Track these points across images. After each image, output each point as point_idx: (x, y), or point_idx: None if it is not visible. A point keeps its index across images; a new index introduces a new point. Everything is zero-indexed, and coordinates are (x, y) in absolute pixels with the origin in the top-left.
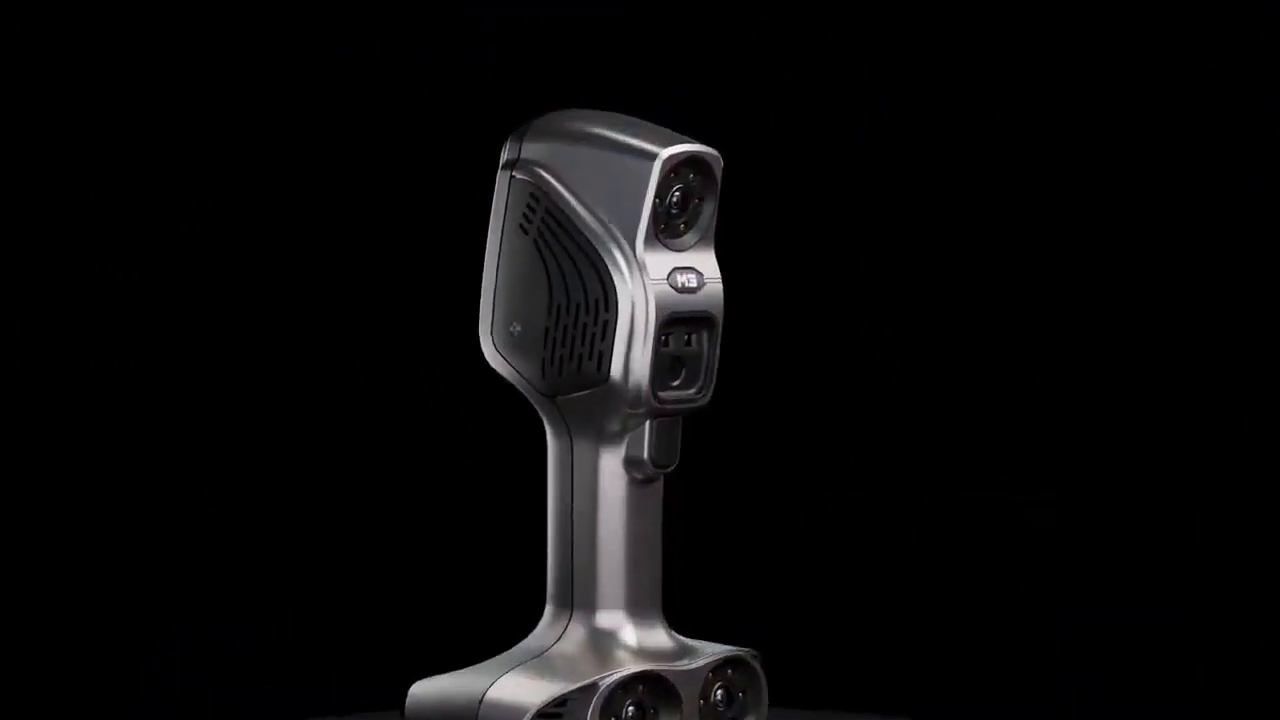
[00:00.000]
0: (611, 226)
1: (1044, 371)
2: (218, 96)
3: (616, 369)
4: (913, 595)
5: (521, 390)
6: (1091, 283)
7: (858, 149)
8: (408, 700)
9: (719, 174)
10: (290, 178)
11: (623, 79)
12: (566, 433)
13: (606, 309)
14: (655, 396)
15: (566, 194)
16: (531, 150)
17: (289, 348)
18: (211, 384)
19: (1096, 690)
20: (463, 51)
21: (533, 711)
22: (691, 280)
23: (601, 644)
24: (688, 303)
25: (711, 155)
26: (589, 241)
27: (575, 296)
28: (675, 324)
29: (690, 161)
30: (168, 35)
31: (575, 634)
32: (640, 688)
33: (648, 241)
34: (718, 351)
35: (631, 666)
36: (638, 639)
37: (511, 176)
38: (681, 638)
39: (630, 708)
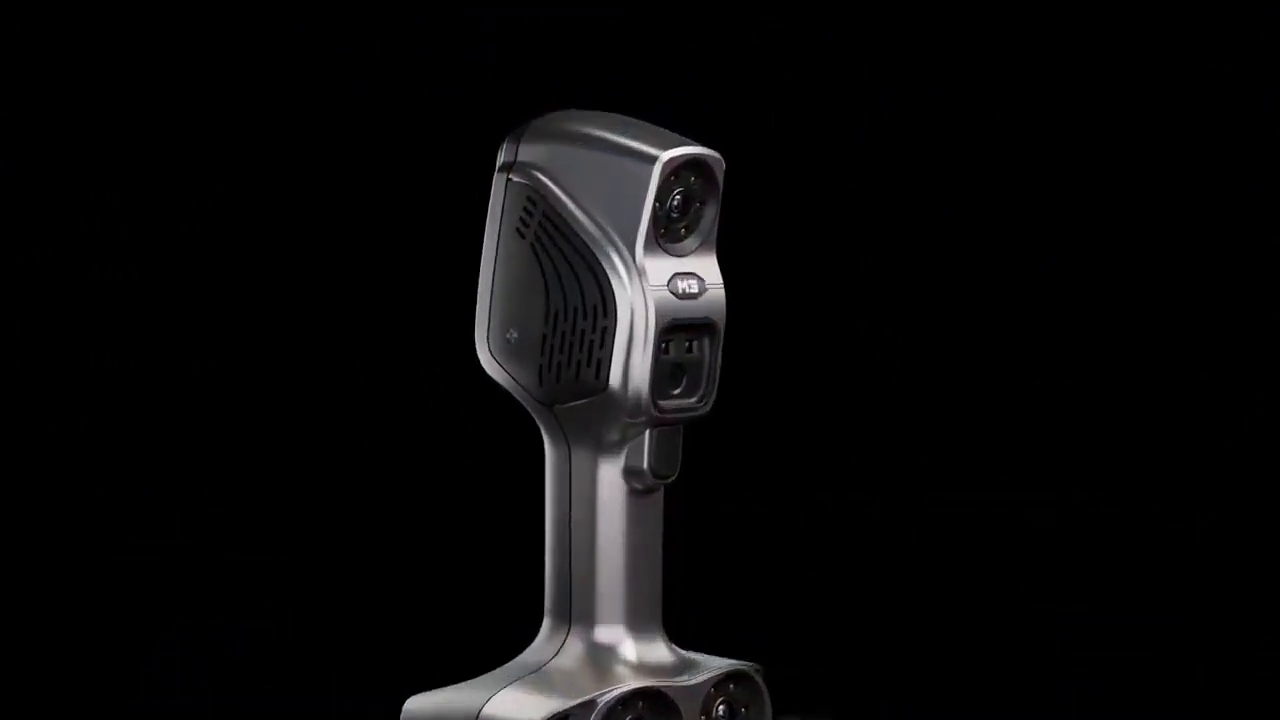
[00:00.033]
0: (610, 231)
1: (1044, 371)
2: (218, 96)
3: (615, 377)
4: (913, 595)
5: (518, 398)
6: (1091, 283)
7: (858, 149)
8: (402, 716)
9: (720, 177)
10: (290, 178)
11: (623, 79)
12: (565, 442)
13: (605, 315)
14: (655, 405)
15: (564, 197)
16: (529, 152)
17: (288, 347)
18: (211, 384)
19: (1096, 690)
20: (463, 51)
21: None
22: (692, 286)
23: (600, 659)
24: (688, 309)
25: (713, 158)
26: (587, 246)
27: (573, 302)
28: (676, 331)
29: (691, 164)
30: (168, 35)
31: (573, 648)
32: (640, 704)
33: (647, 246)
34: (720, 359)
35: (631, 682)
36: (637, 654)
37: (508, 179)
38: (682, 652)
39: None
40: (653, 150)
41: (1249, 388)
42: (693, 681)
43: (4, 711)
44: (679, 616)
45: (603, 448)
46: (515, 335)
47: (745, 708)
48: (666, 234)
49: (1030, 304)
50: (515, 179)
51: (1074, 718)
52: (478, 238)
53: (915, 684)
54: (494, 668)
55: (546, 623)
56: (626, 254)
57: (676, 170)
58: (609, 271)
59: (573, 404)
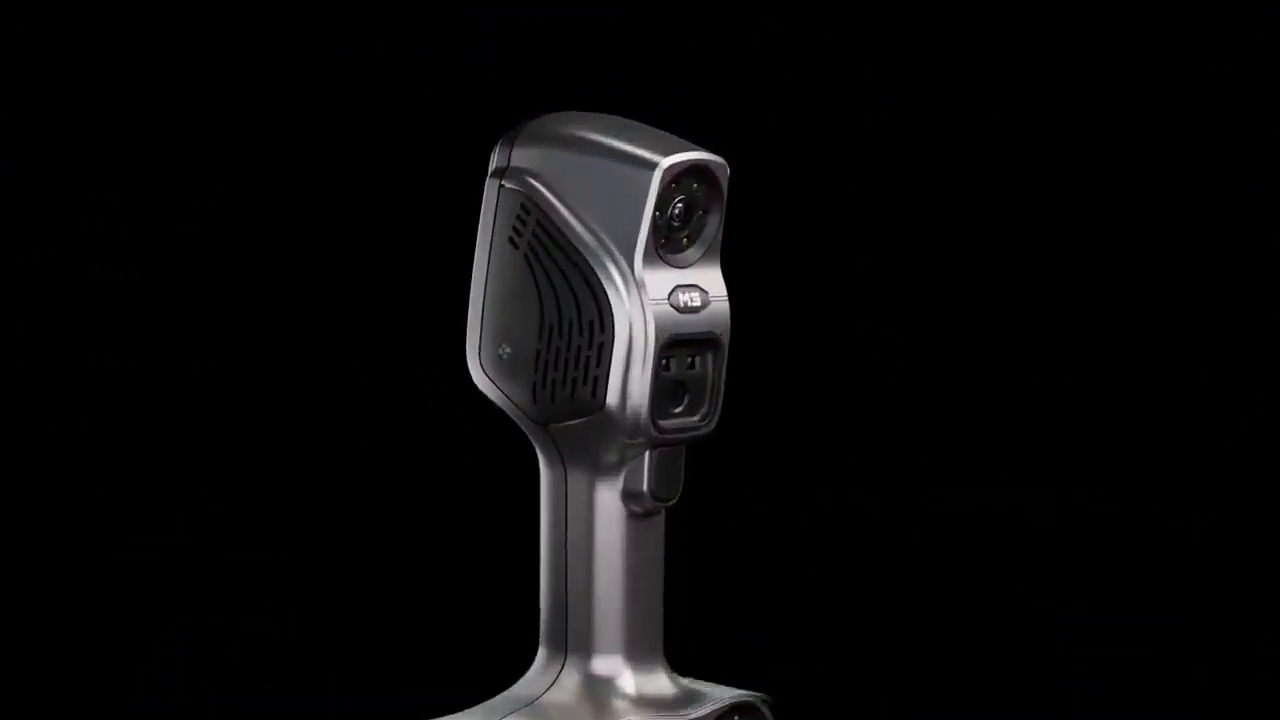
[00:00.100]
0: (608, 241)
1: (1044, 371)
2: (218, 96)
3: (613, 396)
4: (913, 595)
5: (512, 416)
6: (1091, 283)
7: (858, 149)
8: None
9: (725, 183)
10: (290, 178)
11: (623, 79)
12: (560, 463)
13: (602, 331)
14: (655, 425)
15: (559, 205)
16: (522, 157)
17: (288, 347)
18: (211, 384)
19: (1096, 690)
20: (463, 51)
21: None
22: (694, 299)
23: (598, 692)
24: (690, 323)
25: (716, 163)
26: (583, 257)
27: (568, 317)
28: (677, 346)
29: (693, 170)
30: (168, 35)
31: (569, 680)
32: None
33: (647, 257)
34: (724, 375)
35: (631, 717)
36: (637, 686)
37: (501, 185)
38: (685, 682)
39: None
40: (653, 156)
41: (1249, 388)
42: (695, 715)
43: (4, 711)
44: (678, 617)
45: (600, 469)
46: (508, 350)
47: None
48: (667, 244)
49: (1030, 304)
50: (508, 185)
51: (1074, 718)
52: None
53: (915, 684)
54: (485, 699)
55: (541, 653)
56: (625, 265)
57: (678, 177)
58: (606, 284)
59: (568, 423)
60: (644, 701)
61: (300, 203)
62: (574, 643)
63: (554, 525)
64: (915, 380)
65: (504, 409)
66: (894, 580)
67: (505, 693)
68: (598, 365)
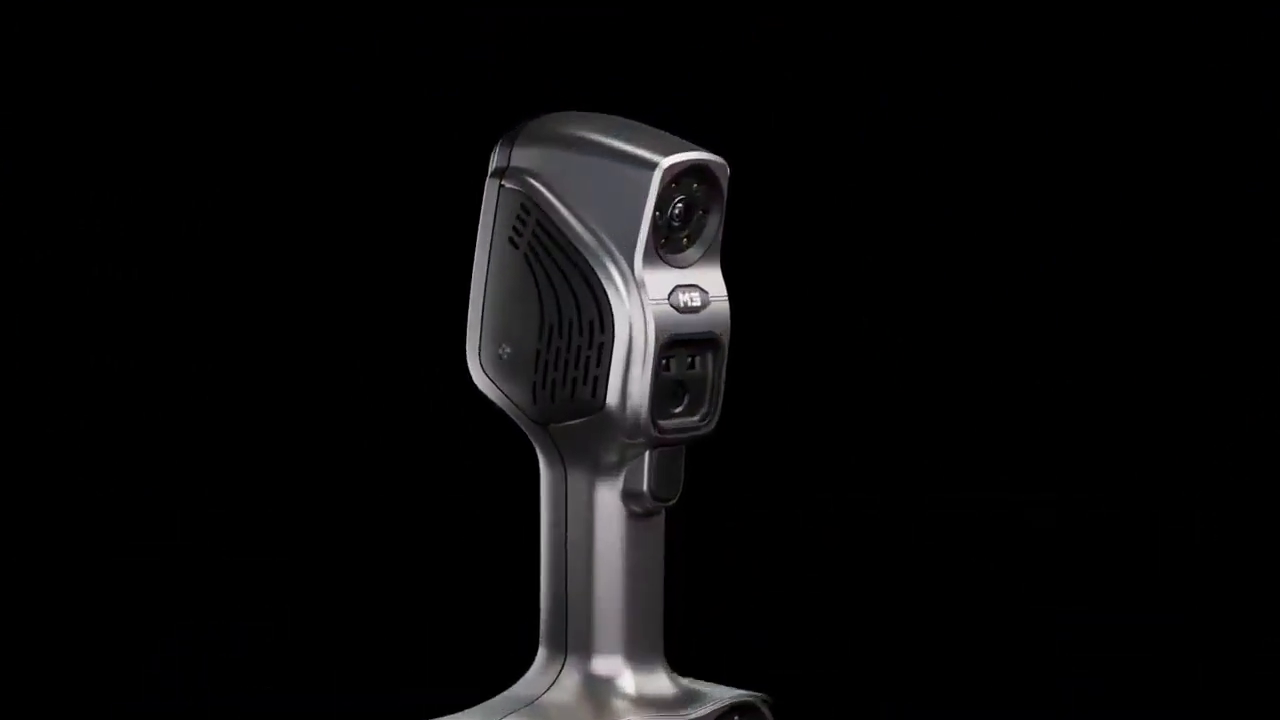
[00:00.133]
0: (608, 241)
1: (1044, 371)
2: (218, 96)
3: (613, 396)
4: (913, 595)
5: (512, 416)
6: (1091, 283)
7: (858, 149)
8: None
9: (725, 183)
10: (290, 178)
11: (623, 79)
12: (560, 463)
13: (602, 331)
14: (655, 425)
15: (559, 205)
16: (522, 157)
17: (288, 347)
18: (211, 384)
19: (1096, 690)
20: (463, 51)
21: None
22: (694, 299)
23: (598, 692)
24: (690, 323)
25: (717, 163)
26: (583, 257)
27: (568, 317)
28: (677, 346)
29: (693, 170)
30: (168, 35)
31: (569, 680)
32: None
33: (647, 257)
34: (724, 375)
35: (631, 717)
36: (637, 686)
37: (501, 185)
38: (685, 682)
39: None
40: (653, 156)
41: (1249, 388)
42: (695, 715)
43: (4, 711)
44: (677, 618)
45: (600, 469)
46: (508, 350)
47: None
48: (667, 244)
49: (1030, 304)
50: (508, 185)
51: (1074, 718)
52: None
53: (915, 684)
54: (485, 699)
55: (541, 652)
56: (625, 265)
57: (678, 177)
58: (606, 284)
59: (568, 423)
60: (644, 701)
61: (300, 203)
62: (574, 643)
63: (554, 525)
64: (915, 380)
65: (504, 409)
66: (894, 580)
67: (505, 693)
68: (598, 365)
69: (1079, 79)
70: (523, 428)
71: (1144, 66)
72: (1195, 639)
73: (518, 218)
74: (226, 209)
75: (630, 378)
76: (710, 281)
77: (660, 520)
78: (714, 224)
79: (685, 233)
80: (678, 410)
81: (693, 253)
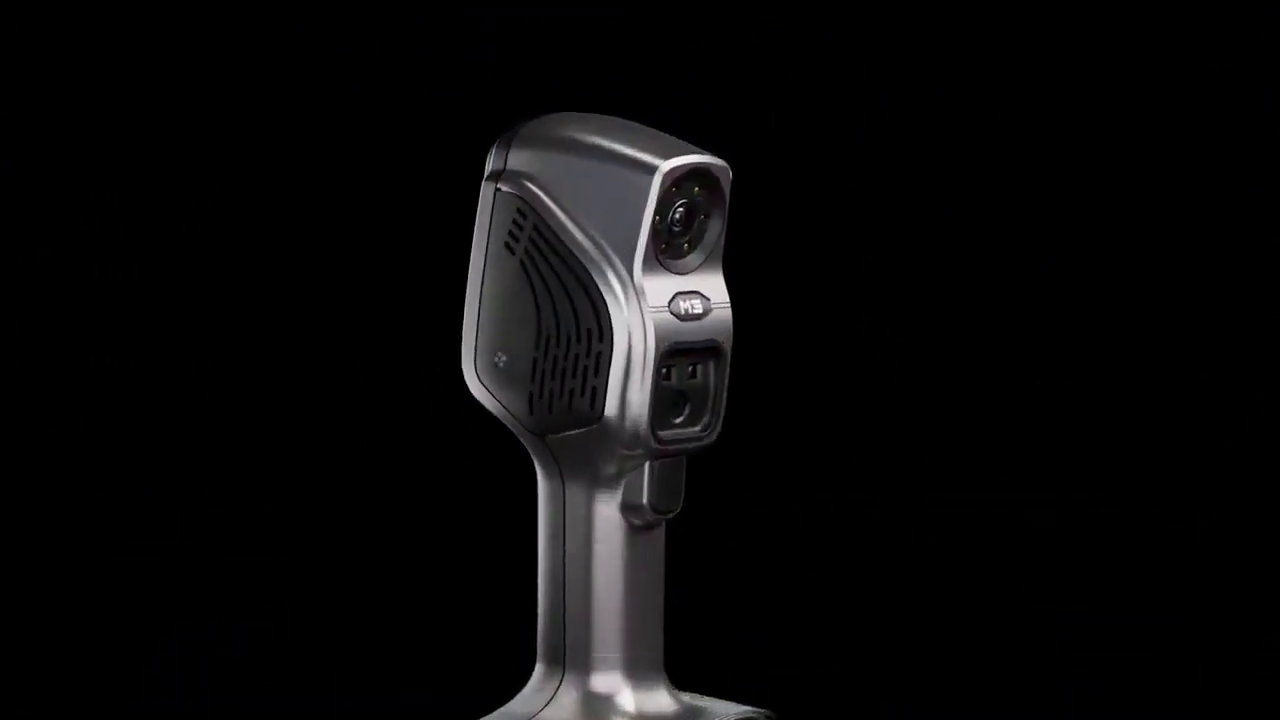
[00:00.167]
0: (606, 247)
1: (1044, 371)
2: (218, 96)
3: (611, 406)
4: (913, 595)
5: (508, 426)
6: (1091, 283)
7: (858, 149)
8: None
9: (727, 187)
10: (290, 178)
11: (623, 79)
12: (558, 474)
13: (600, 340)
14: (655, 436)
15: (557, 209)
16: (519, 159)
17: (288, 345)
18: (211, 384)
19: (1096, 690)
20: (463, 51)
21: None
22: (696, 306)
23: (596, 710)
24: (691, 331)
25: (718, 166)
26: (581, 263)
27: (566, 325)
28: (678, 355)
29: (694, 174)
30: (168, 35)
31: (567, 698)
32: None
33: (647, 264)
34: (726, 384)
35: None
36: (636, 704)
37: (497, 189)
38: (687, 698)
39: None
40: (653, 159)
41: (1249, 388)
42: None
43: (4, 711)
44: (677, 619)
45: (599, 481)
46: (504, 359)
47: None
48: (668, 250)
49: (1030, 304)
50: (504, 189)
51: (1074, 718)
52: None
53: (915, 684)
54: (482, 713)
55: (538, 668)
56: (624, 272)
57: (679, 180)
58: (604, 291)
59: (566, 434)
60: None
61: (300, 203)
62: (572, 659)
63: (551, 537)
64: (915, 380)
65: (500, 418)
66: (894, 580)
67: (502, 709)
68: (596, 375)
69: (1079, 79)
70: (519, 438)
71: (1144, 66)
72: (1195, 639)
73: (514, 222)
74: (226, 209)
75: (629, 388)
76: (712, 288)
77: (660, 533)
78: (716, 229)
79: (686, 238)
80: (678, 421)
81: (694, 258)
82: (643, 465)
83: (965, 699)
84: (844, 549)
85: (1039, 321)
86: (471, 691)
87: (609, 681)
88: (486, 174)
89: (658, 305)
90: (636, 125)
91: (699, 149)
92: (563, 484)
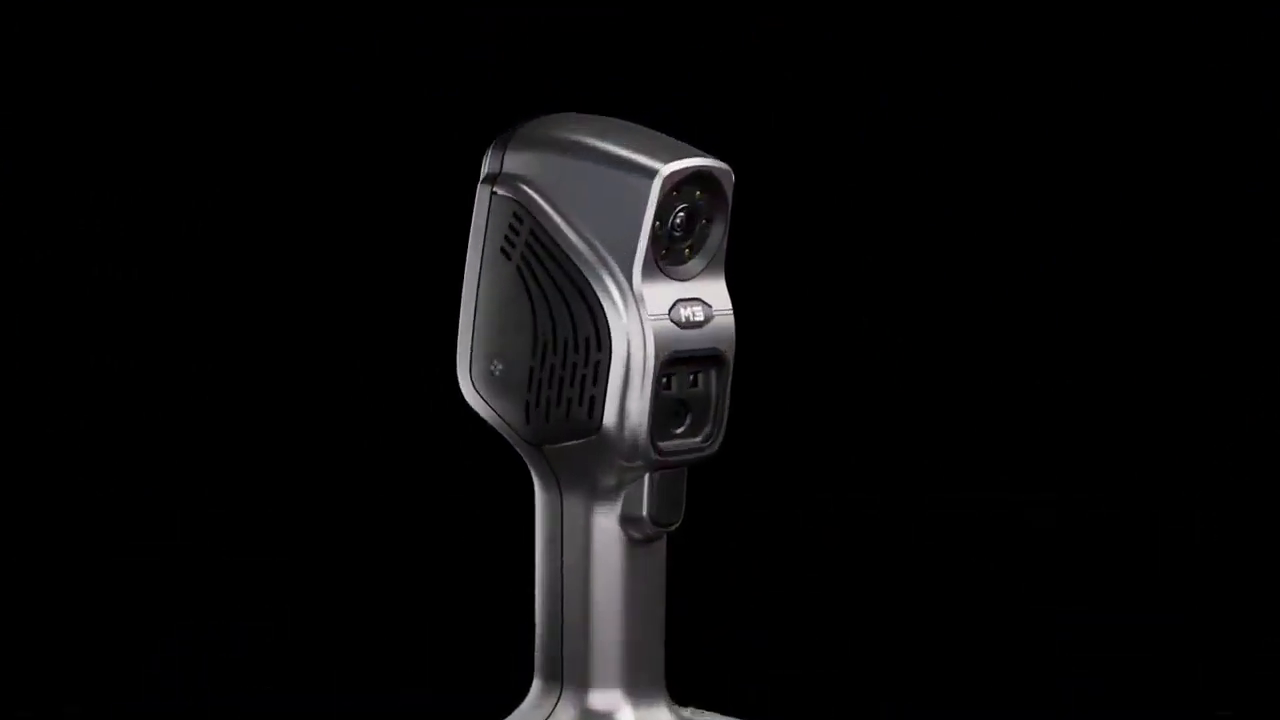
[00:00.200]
0: (605, 252)
1: (1044, 371)
2: (218, 96)
3: (610, 417)
4: (913, 595)
5: (505, 435)
6: (1091, 283)
7: (858, 149)
8: None
9: (729, 191)
10: (290, 178)
11: (623, 79)
12: (556, 485)
13: (599, 348)
14: (655, 447)
15: (554, 214)
16: (515, 162)
17: (288, 345)
18: (211, 384)
19: (1096, 690)
20: (463, 51)
21: None
22: (697, 313)
23: None
24: (692, 339)
25: (720, 170)
26: (579, 270)
27: (563, 333)
28: (678, 363)
29: (696, 177)
30: (168, 35)
31: (565, 715)
32: None
33: (646, 270)
34: (728, 393)
35: None
36: None
37: (493, 192)
38: (687, 714)
39: None
40: (653, 162)
41: (1249, 388)
42: None
43: (4, 711)
44: (677, 618)
45: (597, 493)
46: (500, 367)
47: None
48: (668, 255)
49: (1030, 304)
50: (500, 192)
51: (1074, 718)
52: None
53: (915, 684)
54: None
55: (536, 684)
56: (623, 278)
57: (679, 184)
58: (603, 298)
59: (564, 445)
60: None
61: (300, 204)
62: (570, 675)
63: (549, 550)
64: (915, 380)
65: (496, 428)
66: (894, 580)
67: None
68: (594, 384)
69: (1079, 79)
70: (516, 448)
71: (1144, 66)
72: (1195, 639)
73: (510, 227)
74: (226, 209)
75: (628, 397)
76: (714, 294)
77: (661, 546)
78: (718, 234)
79: (687, 243)
80: (679, 431)
81: (695, 264)
82: (643, 477)
83: (965, 699)
84: (844, 549)
85: (1039, 321)
86: (472, 698)
87: (608, 699)
88: (482, 177)
89: (658, 312)
90: (636, 126)
91: (700, 151)
92: (560, 496)
